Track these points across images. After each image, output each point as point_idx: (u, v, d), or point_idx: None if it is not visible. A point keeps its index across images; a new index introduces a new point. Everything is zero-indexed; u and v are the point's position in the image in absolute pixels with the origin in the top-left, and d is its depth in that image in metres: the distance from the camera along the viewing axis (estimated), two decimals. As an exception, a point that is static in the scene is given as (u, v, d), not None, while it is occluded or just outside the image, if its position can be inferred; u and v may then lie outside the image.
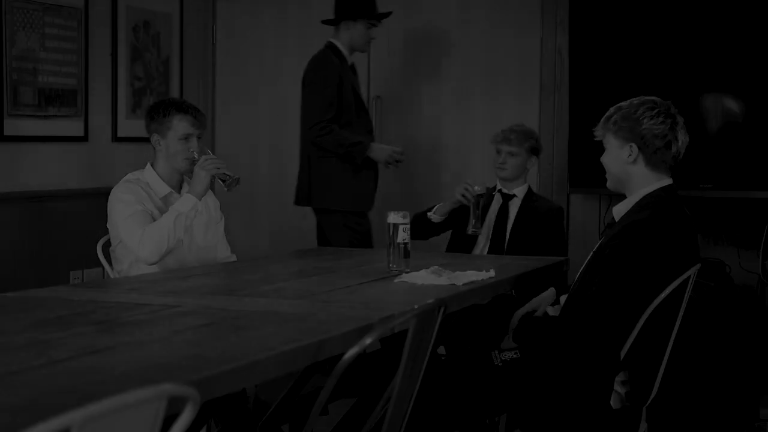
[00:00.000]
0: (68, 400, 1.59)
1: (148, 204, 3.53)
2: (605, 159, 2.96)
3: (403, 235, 3.25)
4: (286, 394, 2.75)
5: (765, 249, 4.71)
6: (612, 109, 2.95)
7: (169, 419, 1.47)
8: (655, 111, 2.86)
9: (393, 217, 3.27)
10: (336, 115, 4.64)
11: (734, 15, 4.62)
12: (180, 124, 3.57)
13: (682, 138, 2.89)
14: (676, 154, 2.89)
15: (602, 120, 2.96)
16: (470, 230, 4.00)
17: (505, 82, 5.29)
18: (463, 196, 4.00)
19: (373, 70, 5.57)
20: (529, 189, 4.20)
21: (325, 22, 4.88)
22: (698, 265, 2.86)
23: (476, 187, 3.99)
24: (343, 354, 2.05)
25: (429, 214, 4.16)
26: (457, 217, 4.13)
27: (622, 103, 2.94)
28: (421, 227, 4.15)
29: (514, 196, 4.16)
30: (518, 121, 4.56)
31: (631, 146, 2.87)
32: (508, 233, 4.12)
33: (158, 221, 3.46)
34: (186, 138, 3.58)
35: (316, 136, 4.65)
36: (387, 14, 4.87)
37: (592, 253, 2.95)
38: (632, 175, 2.89)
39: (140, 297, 2.69)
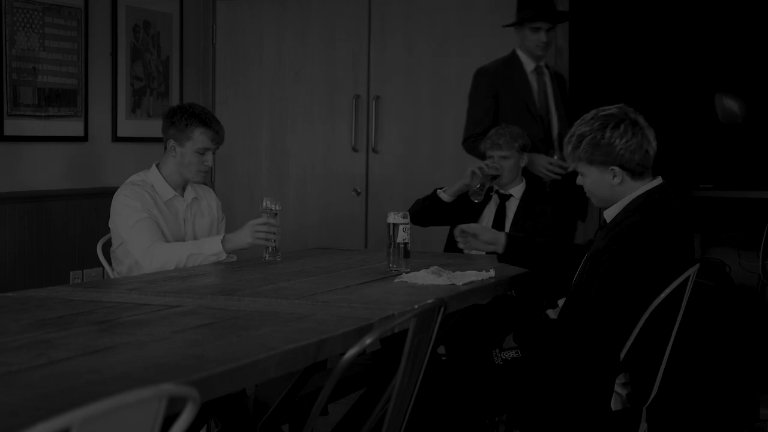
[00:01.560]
0: (68, 400, 1.60)
1: (153, 210, 3.53)
2: (588, 185, 2.90)
3: (403, 235, 3.25)
4: (286, 394, 2.74)
5: (765, 249, 4.71)
6: (574, 139, 2.85)
7: (169, 419, 1.47)
8: (621, 127, 2.79)
9: (393, 217, 3.27)
10: (489, 128, 4.48)
11: (734, 15, 4.62)
12: (200, 138, 3.57)
13: (652, 136, 2.85)
14: (654, 154, 2.86)
15: (569, 150, 2.88)
16: (473, 196, 4.00)
17: (505, 82, 5.29)
18: (480, 168, 4.00)
19: (373, 70, 5.58)
20: (527, 188, 4.20)
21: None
22: (697, 265, 2.85)
23: (493, 165, 4.03)
24: (343, 354, 2.05)
25: (438, 191, 4.14)
26: (457, 212, 4.13)
27: (581, 129, 2.85)
28: (431, 207, 4.13)
29: (511, 196, 4.15)
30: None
31: (613, 170, 2.82)
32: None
33: (174, 247, 3.45)
34: (203, 152, 3.58)
35: (466, 150, 4.62)
36: (553, 16, 4.51)
37: (586, 256, 2.94)
38: (621, 191, 2.86)
39: (140, 297, 2.69)
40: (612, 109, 2.85)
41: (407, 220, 3.27)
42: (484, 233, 3.27)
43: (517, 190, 4.15)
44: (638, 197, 2.84)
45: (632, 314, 2.72)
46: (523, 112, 4.53)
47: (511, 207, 4.14)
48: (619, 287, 2.71)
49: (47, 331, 2.18)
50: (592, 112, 2.87)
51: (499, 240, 3.23)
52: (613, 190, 2.86)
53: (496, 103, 4.53)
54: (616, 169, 2.81)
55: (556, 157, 4.30)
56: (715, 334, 4.19)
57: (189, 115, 3.57)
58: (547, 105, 4.57)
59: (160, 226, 3.53)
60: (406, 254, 3.26)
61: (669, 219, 2.82)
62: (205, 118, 3.58)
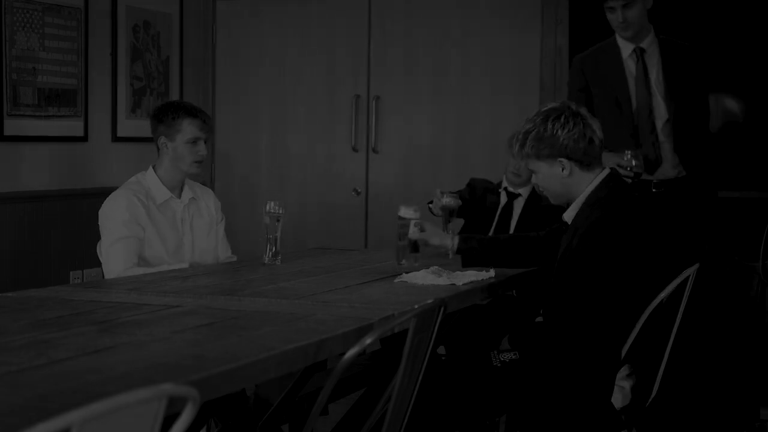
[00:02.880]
0: (68, 400, 1.60)
1: (142, 220, 3.52)
2: (540, 182, 2.96)
3: (413, 230, 3.21)
4: (286, 394, 2.74)
5: (765, 249, 4.70)
6: (519, 136, 2.92)
7: (169, 419, 1.47)
8: (563, 118, 2.86)
9: (404, 212, 3.23)
10: None
11: (734, 15, 4.62)
12: (189, 128, 3.59)
13: (597, 126, 2.90)
14: (600, 143, 2.90)
15: (516, 149, 2.95)
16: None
17: (505, 82, 5.30)
18: (429, 209, 3.89)
19: (373, 70, 5.58)
20: (534, 188, 4.19)
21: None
22: (697, 265, 2.86)
23: (444, 200, 3.75)
24: (343, 354, 2.05)
25: (429, 205, 4.14)
26: (469, 209, 4.12)
27: (526, 126, 2.92)
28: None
29: (519, 195, 4.15)
30: (518, 120, 4.54)
31: (561, 161, 2.87)
32: (511, 232, 4.11)
33: (146, 273, 3.38)
34: (194, 141, 3.59)
35: None
36: None
37: (558, 261, 2.92)
38: (573, 184, 2.90)
39: (140, 297, 2.69)
40: (554, 104, 2.93)
41: (418, 215, 3.23)
42: (431, 238, 3.25)
43: (525, 190, 4.15)
44: (594, 191, 2.87)
45: (622, 310, 2.73)
46: (611, 108, 4.15)
47: (518, 206, 4.14)
48: (605, 284, 2.71)
49: (47, 331, 2.18)
50: (536, 110, 2.95)
51: (446, 244, 3.22)
52: (564, 183, 2.90)
53: (588, 95, 4.20)
54: (564, 160, 2.86)
55: (628, 157, 3.81)
56: (715, 335, 4.19)
57: (174, 109, 3.61)
58: (648, 91, 4.14)
59: (149, 237, 3.51)
60: (416, 249, 3.24)
61: (630, 207, 2.85)
62: (190, 109, 3.62)
